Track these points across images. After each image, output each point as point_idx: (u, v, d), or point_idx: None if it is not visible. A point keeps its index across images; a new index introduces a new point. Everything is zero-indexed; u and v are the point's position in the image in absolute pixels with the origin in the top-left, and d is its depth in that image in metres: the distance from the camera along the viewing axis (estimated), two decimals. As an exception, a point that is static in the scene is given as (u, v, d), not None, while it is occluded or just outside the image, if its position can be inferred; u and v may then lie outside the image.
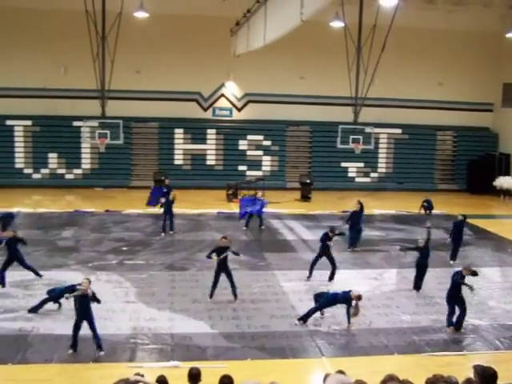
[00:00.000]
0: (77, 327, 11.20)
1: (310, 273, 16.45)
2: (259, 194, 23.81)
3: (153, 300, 14.39)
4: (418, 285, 15.81)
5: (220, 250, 14.43)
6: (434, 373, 6.65)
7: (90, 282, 11.51)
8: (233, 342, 12.10)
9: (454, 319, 13.02)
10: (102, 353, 11.24)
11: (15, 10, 28.83)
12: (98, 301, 11.58)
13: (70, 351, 11.21)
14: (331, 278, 16.38)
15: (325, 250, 16.32)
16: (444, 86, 33.24)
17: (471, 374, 6.36)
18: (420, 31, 31.03)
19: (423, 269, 15.82)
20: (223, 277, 14.51)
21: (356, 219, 20.10)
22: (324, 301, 13.20)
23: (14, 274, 15.85)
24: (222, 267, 14.44)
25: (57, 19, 28.89)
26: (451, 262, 18.54)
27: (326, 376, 7.01)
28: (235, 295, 14.52)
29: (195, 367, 7.54)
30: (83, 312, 11.20)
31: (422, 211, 26.34)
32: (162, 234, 21.09)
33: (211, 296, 14.51)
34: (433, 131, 34.06)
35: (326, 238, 16.26)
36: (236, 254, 14.83)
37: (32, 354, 11.15)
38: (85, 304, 11.21)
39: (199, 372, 7.43)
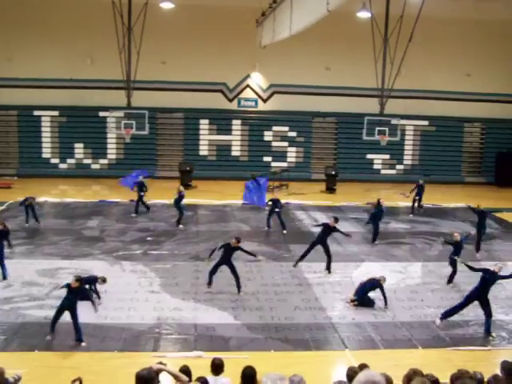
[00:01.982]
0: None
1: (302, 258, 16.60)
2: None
3: (177, 290, 14.46)
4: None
5: (227, 248, 14.41)
6: (459, 367, 6.57)
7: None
8: (256, 333, 12.10)
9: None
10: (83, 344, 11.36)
11: (42, 1, 29.10)
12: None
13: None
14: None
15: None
16: (472, 77, 32.73)
17: (497, 370, 6.27)
18: (448, 21, 30.48)
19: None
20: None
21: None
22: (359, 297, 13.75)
23: (41, 263, 16.10)
24: (225, 261, 14.43)
25: (83, 10, 29.07)
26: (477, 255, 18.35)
27: (350, 369, 6.97)
28: (239, 288, 14.41)
29: (218, 358, 7.57)
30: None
31: (414, 204, 24.45)
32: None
33: (210, 283, 14.54)
34: (460, 123, 33.62)
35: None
36: (252, 254, 14.91)
37: (58, 342, 11.31)
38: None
39: (222, 363, 7.46)
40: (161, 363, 6.89)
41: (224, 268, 14.56)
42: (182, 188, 22.02)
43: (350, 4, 18.07)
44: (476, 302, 12.52)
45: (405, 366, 6.71)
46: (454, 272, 15.52)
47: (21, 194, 23.09)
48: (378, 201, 20.20)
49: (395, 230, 21.56)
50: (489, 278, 12.39)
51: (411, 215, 23.95)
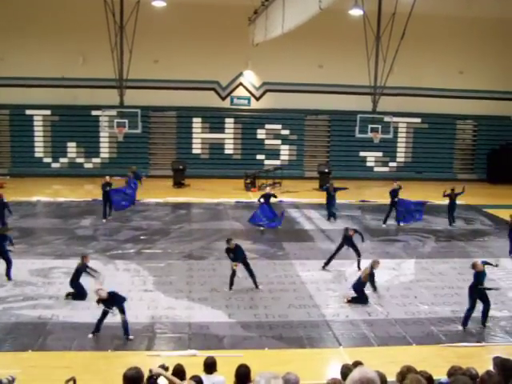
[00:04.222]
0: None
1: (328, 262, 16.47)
2: (267, 189, 22.86)
3: (171, 289, 14.44)
4: None
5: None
6: (453, 364, 6.58)
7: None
8: (250, 332, 12.09)
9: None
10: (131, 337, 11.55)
11: (34, 0, 28.98)
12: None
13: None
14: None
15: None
16: (464, 75, 32.82)
17: (490, 366, 6.28)
18: (440, 19, 30.54)
19: None
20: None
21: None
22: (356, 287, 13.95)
23: (34, 262, 16.04)
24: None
25: (75, 9, 28.97)
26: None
27: (344, 366, 6.98)
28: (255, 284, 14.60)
29: (210, 356, 7.57)
30: None
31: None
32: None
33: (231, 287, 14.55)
34: (452, 120, 33.72)
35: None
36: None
37: (51, 342, 11.27)
38: None
39: (214, 361, 7.46)
40: (163, 366, 6.84)
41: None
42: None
43: (342, 2, 18.10)
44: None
45: (399, 362, 6.72)
46: None
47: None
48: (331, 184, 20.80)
49: (388, 228, 21.59)
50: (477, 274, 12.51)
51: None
